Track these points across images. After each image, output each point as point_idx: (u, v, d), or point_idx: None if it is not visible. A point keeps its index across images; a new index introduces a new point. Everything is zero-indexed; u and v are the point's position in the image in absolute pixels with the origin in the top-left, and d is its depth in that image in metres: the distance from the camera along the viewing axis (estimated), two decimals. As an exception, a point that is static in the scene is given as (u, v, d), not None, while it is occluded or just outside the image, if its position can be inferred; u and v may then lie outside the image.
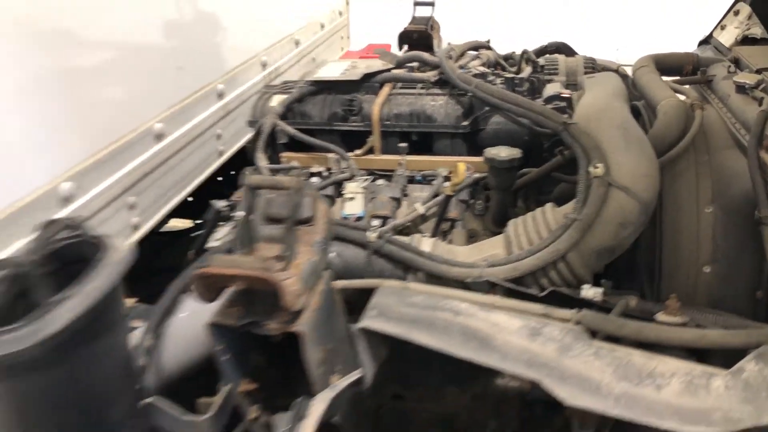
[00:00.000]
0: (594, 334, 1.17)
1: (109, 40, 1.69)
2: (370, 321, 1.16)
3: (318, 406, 1.12)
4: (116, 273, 0.84)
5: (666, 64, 1.98)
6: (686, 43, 2.60)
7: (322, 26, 3.37)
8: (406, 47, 2.82)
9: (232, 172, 2.30)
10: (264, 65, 2.54)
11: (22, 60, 1.37)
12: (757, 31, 2.22)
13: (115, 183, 1.58)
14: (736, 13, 2.30)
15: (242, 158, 2.21)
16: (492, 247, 1.52)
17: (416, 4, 2.96)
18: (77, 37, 1.56)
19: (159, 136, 1.79)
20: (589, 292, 1.38)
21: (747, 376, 1.06)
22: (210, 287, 1.05)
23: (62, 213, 1.40)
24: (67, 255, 0.86)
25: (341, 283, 1.32)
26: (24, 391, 0.79)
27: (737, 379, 1.06)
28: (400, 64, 2.12)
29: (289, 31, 2.89)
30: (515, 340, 1.11)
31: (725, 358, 1.15)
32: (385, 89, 1.96)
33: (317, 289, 1.21)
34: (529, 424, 1.63)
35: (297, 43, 2.94)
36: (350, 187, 1.77)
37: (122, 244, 0.90)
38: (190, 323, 1.23)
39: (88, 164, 1.50)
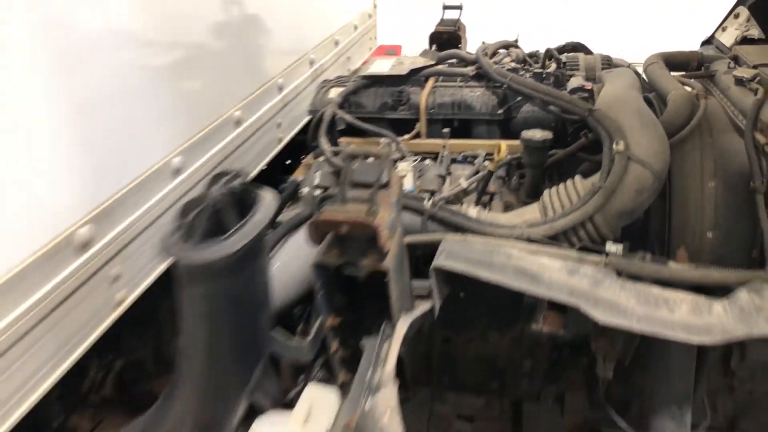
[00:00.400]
0: (619, 274, 1.46)
1: (199, 41, 1.98)
2: (441, 261, 1.45)
3: (401, 328, 1.41)
4: (270, 211, 1.13)
5: (674, 61, 2.26)
6: (684, 44, 2.89)
7: (355, 27, 3.67)
8: (435, 46, 3.12)
9: (288, 162, 2.60)
10: (311, 63, 2.83)
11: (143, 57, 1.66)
12: (755, 32, 2.52)
13: (210, 158, 1.87)
14: (736, 16, 2.59)
15: (293, 148, 2.50)
16: (529, 212, 1.81)
17: (445, 7, 3.26)
18: (172, 38, 1.85)
19: (238, 122, 2.09)
20: (612, 247, 1.66)
21: (741, 303, 1.35)
22: (319, 231, 1.34)
23: (174, 182, 1.69)
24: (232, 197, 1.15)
25: (411, 238, 1.61)
26: (217, 291, 1.08)
27: (733, 304, 1.34)
28: (440, 61, 2.41)
29: (330, 32, 3.18)
30: (557, 276, 1.40)
31: (724, 294, 1.44)
32: (430, 82, 2.26)
33: (394, 239, 1.50)
34: (558, 364, 1.92)
35: (336, 43, 3.23)
36: (401, 166, 2.06)
37: (268, 194, 1.19)
38: (291, 264, 1.52)
39: (192, 142, 1.79)
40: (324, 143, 2.14)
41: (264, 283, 1.24)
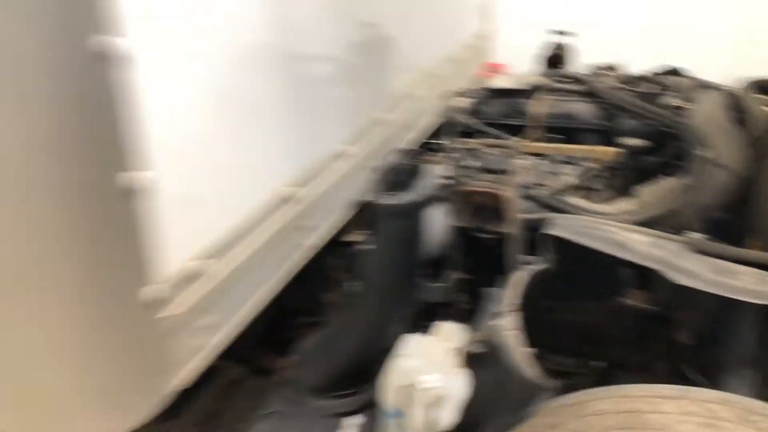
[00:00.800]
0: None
1: (332, 59, 2.47)
2: (554, 230, 1.86)
3: (518, 278, 1.83)
4: (435, 180, 1.59)
5: (762, 86, 2.58)
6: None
7: (470, 47, 4.13)
8: (545, 66, 3.52)
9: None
10: (435, 76, 3.31)
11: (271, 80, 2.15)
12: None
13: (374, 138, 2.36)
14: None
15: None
16: (626, 204, 2.19)
17: (553, 32, 3.66)
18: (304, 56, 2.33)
19: (380, 121, 2.57)
20: (694, 236, 2.02)
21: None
22: (460, 200, 1.79)
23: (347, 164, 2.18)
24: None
25: (526, 216, 2.03)
26: (406, 226, 1.54)
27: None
28: (552, 78, 2.82)
29: (451, 52, 3.65)
30: (645, 248, 1.78)
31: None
32: (544, 96, 2.67)
33: (515, 213, 1.93)
34: (644, 334, 2.27)
35: (455, 61, 3.70)
36: (519, 163, 2.48)
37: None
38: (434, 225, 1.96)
39: (358, 130, 2.28)
40: (453, 142, 2.58)
41: (420, 233, 1.70)
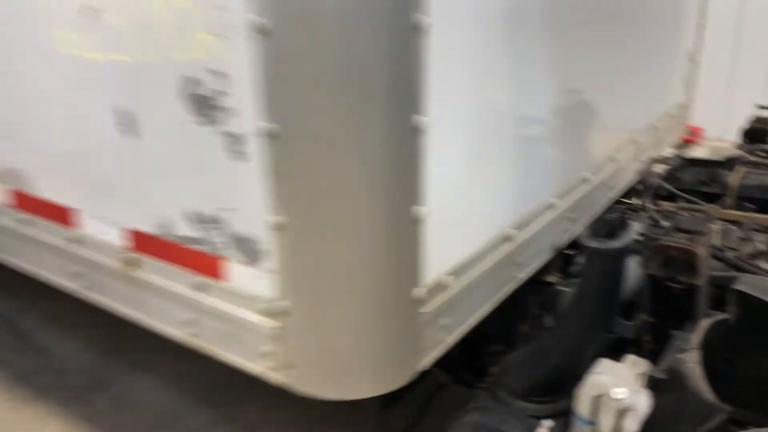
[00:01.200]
0: None
1: (551, 124, 2.90)
2: (741, 286, 2.13)
3: (702, 325, 2.12)
4: (635, 233, 1.97)
5: None
6: None
7: (671, 115, 4.38)
8: (745, 138, 3.70)
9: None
10: (636, 142, 3.62)
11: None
12: None
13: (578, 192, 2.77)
14: None
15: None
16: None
17: (760, 107, 3.82)
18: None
19: (585, 180, 2.96)
20: None
21: None
22: (659, 253, 2.13)
23: (552, 214, 2.60)
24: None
25: (716, 273, 2.31)
26: (610, 268, 1.95)
27: None
28: (750, 152, 3.05)
29: (651, 119, 3.94)
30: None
31: None
32: (740, 168, 2.91)
33: (704, 268, 2.22)
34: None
35: (656, 129, 3.98)
36: (709, 227, 2.74)
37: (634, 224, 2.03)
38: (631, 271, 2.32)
39: (570, 184, 2.70)
40: (649, 203, 2.91)
41: (620, 276, 2.08)
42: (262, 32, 1.51)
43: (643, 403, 1.88)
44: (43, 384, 4.01)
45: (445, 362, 2.12)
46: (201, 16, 1.61)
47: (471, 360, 2.76)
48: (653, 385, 1.94)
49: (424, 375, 2.00)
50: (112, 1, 1.79)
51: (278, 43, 1.51)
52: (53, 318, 4.72)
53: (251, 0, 1.49)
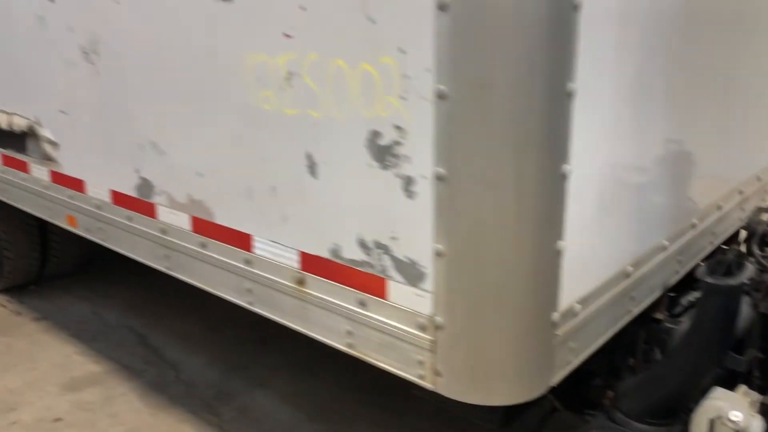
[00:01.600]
0: None
1: (664, 173, 3.13)
2: None
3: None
4: (750, 272, 2.20)
5: None
6: None
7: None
8: None
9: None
10: (740, 192, 3.80)
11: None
12: None
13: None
14: None
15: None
16: None
17: None
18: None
19: (693, 226, 3.17)
20: None
21: None
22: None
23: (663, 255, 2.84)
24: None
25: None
26: (727, 303, 2.18)
27: None
28: None
29: (755, 170, 4.10)
30: None
31: None
32: None
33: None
34: None
35: (761, 180, 4.13)
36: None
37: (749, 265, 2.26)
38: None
39: (679, 229, 2.93)
40: (756, 250, 3.10)
41: (735, 312, 2.31)
42: (440, 96, 1.88)
43: (757, 427, 2.09)
44: (175, 394, 4.47)
45: (557, 388, 2.36)
46: (389, 83, 2.00)
47: (580, 388, 2.99)
48: (766, 412, 2.14)
49: (539, 398, 2.26)
50: (312, 69, 2.22)
51: (452, 105, 1.87)
52: (180, 336, 5.23)
53: (434, 71, 1.87)
